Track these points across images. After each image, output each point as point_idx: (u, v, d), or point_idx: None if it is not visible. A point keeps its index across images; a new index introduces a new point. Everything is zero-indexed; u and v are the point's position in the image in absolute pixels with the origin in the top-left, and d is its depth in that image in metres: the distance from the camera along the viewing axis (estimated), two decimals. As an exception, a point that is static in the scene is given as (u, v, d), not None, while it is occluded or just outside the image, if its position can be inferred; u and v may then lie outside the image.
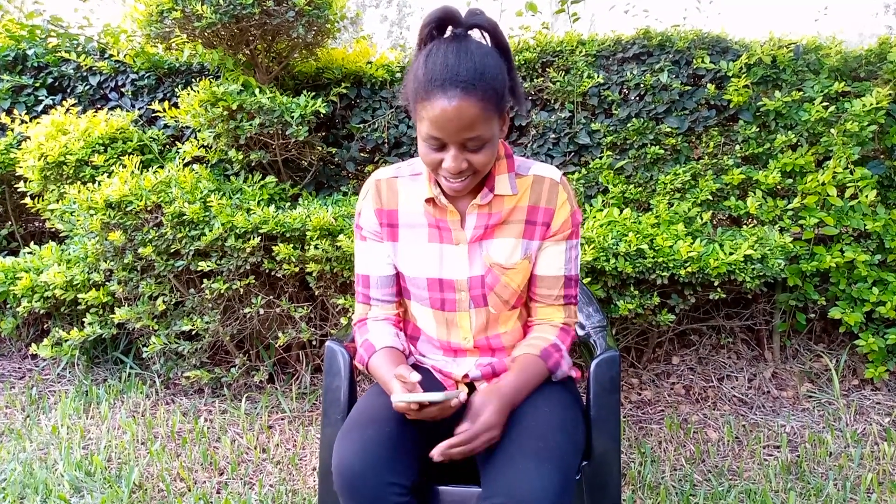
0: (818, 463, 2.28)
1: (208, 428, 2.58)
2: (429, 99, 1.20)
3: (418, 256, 1.43)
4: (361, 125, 3.02)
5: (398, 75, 3.04)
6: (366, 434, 1.27)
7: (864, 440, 2.40)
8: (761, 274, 2.42)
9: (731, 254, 2.39)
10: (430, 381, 1.50)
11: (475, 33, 1.26)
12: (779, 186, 2.71)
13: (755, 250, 2.40)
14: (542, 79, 2.90)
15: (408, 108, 1.32)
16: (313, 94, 2.79)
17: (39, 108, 3.30)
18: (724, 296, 2.51)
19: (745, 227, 2.69)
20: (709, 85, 2.74)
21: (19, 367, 3.17)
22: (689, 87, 2.78)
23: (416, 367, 1.55)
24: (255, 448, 2.43)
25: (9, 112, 3.24)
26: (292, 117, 2.64)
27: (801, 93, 2.68)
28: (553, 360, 1.40)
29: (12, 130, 3.15)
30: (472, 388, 1.50)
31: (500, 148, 1.37)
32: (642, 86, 2.80)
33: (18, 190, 2.93)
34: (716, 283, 2.45)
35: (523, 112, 1.36)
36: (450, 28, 1.24)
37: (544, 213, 1.39)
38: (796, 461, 2.29)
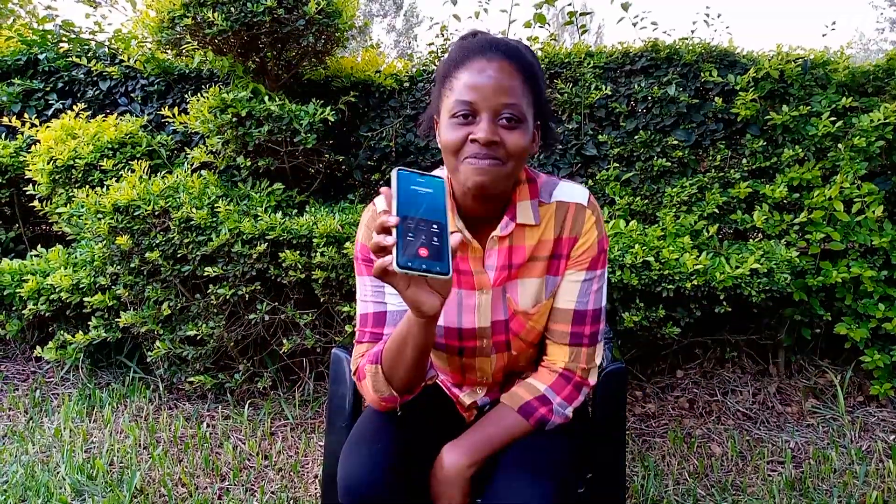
0: (822, 479, 2.27)
1: (211, 433, 2.57)
2: (463, 65, 1.14)
3: None
4: (369, 133, 3.03)
5: (406, 84, 3.05)
6: (374, 448, 1.22)
7: (869, 457, 2.39)
8: (767, 288, 2.41)
9: (737, 267, 2.39)
10: (438, 395, 1.47)
11: None
12: (785, 200, 2.70)
13: (761, 264, 2.39)
14: (550, 90, 2.90)
15: (433, 118, 1.25)
16: (322, 102, 2.80)
17: (49, 113, 3.33)
18: (730, 309, 2.50)
19: (751, 240, 2.68)
20: (716, 98, 2.74)
21: (23, 370, 3.17)
22: (697, 101, 2.79)
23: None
24: (258, 454, 2.43)
25: (19, 116, 3.26)
26: (301, 125, 2.65)
27: (809, 107, 2.68)
28: (537, 415, 1.27)
29: (22, 134, 3.17)
30: (481, 412, 1.43)
31: (522, 172, 1.28)
32: (650, 98, 2.81)
33: (27, 193, 2.95)
34: (721, 297, 2.44)
35: (538, 149, 1.20)
36: None
37: (568, 244, 1.28)
38: (800, 477, 2.27)
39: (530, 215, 1.25)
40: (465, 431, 1.27)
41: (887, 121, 2.55)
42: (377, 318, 1.30)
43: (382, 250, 0.96)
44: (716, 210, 2.72)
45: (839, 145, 2.64)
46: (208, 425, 2.64)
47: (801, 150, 2.68)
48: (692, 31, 3.18)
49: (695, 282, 2.36)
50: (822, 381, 2.83)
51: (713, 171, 2.78)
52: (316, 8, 2.63)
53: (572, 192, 1.29)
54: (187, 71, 3.20)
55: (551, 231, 1.27)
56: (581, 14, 3.21)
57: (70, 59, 3.30)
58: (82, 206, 2.56)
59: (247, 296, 2.55)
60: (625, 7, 3.14)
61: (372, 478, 1.17)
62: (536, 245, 1.27)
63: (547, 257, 1.28)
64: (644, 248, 2.41)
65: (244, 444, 2.51)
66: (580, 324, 1.29)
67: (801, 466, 2.35)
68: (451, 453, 1.22)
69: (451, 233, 1.00)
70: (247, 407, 2.72)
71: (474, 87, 1.10)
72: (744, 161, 2.77)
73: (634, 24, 3.12)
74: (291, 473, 2.32)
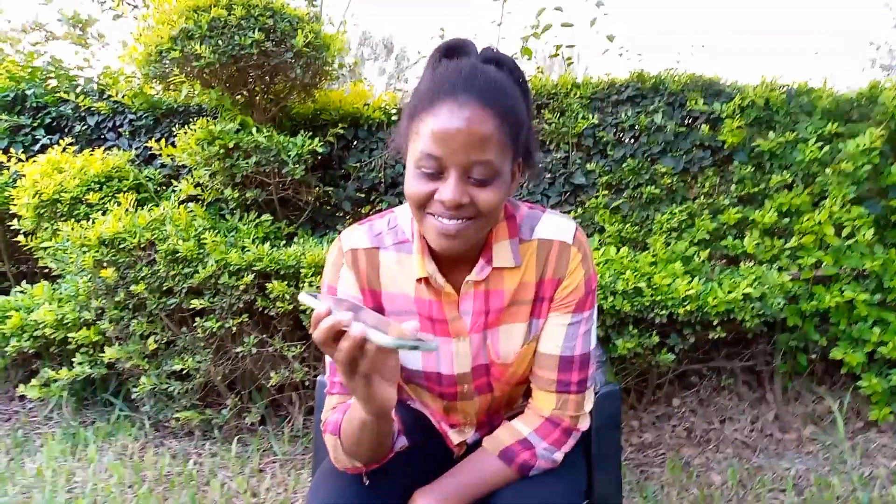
0: (825, 507, 2.22)
1: (197, 471, 2.50)
2: (432, 108, 0.97)
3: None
4: (358, 165, 3.03)
5: (395, 117, 3.06)
6: (344, 482, 1.14)
7: (872, 484, 2.34)
8: (761, 313, 2.39)
9: (729, 292, 2.37)
10: (425, 425, 1.39)
11: None
12: (776, 226, 2.70)
13: (754, 289, 2.38)
14: (538, 120, 2.92)
15: (400, 146, 1.10)
16: (310, 134, 2.80)
17: (36, 148, 3.31)
18: (724, 335, 2.47)
19: (742, 266, 2.67)
20: (703, 126, 2.76)
21: (6, 409, 3.09)
22: (684, 129, 2.81)
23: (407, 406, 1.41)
24: (246, 492, 2.36)
25: (6, 151, 3.24)
26: (289, 156, 2.65)
27: (795, 133, 2.70)
28: (518, 460, 1.16)
29: (8, 169, 3.15)
30: (471, 449, 1.33)
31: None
32: (637, 127, 2.82)
33: (12, 228, 2.91)
34: (715, 322, 2.41)
35: (531, 178, 1.10)
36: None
37: (552, 286, 1.16)
38: (802, 505, 2.22)
39: (509, 257, 1.13)
40: (441, 476, 1.17)
41: (873, 146, 2.57)
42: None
43: (353, 355, 0.87)
44: (706, 236, 2.71)
45: (827, 170, 2.65)
46: (195, 462, 2.56)
47: (789, 175, 2.69)
48: (677, 62, 3.21)
49: (688, 307, 2.34)
50: (821, 407, 2.79)
51: (702, 197, 2.78)
52: (304, 41, 2.64)
53: (556, 228, 1.16)
54: (175, 105, 3.20)
55: (533, 273, 1.15)
56: (567, 46, 3.25)
57: (58, 94, 3.29)
58: (67, 240, 2.52)
59: (234, 328, 2.51)
60: (610, 38, 3.18)
61: None
62: (517, 289, 1.15)
63: (530, 300, 1.16)
64: (636, 273, 2.39)
65: (232, 481, 2.43)
66: (567, 371, 1.17)
67: (803, 494, 2.30)
68: (423, 501, 1.13)
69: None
70: (235, 443, 2.65)
71: (442, 138, 0.95)
72: (732, 187, 2.78)
73: (620, 55, 3.16)
74: (280, 511, 2.25)
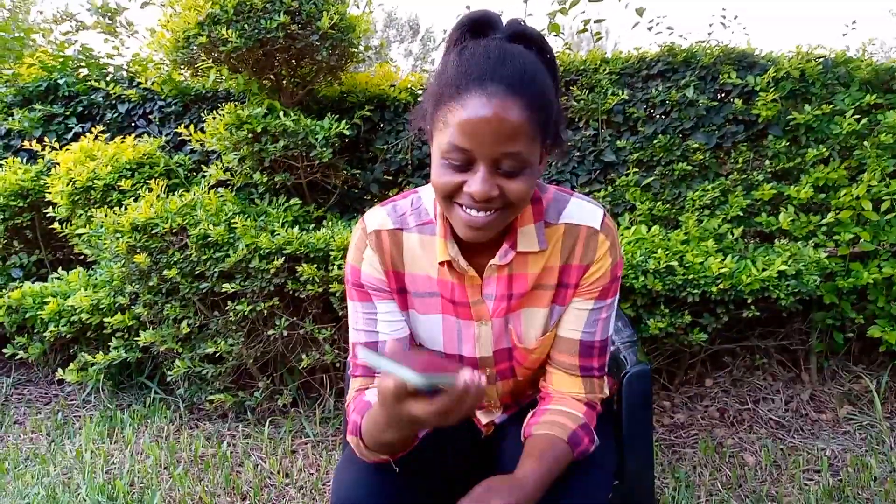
0: (862, 488, 2.17)
1: (231, 452, 2.54)
2: (459, 97, 0.94)
3: (432, 330, 1.21)
4: (385, 147, 3.02)
5: (421, 98, 3.04)
6: (369, 466, 1.13)
7: (911, 464, 2.29)
8: (796, 291, 2.34)
9: (764, 270, 2.32)
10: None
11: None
12: (811, 201, 2.64)
13: (789, 266, 2.33)
14: (566, 97, 2.88)
15: (423, 127, 1.08)
16: (337, 116, 2.79)
17: (69, 136, 3.36)
18: (758, 314, 2.43)
19: (777, 243, 2.61)
20: (736, 100, 2.69)
21: (46, 393, 3.17)
22: (716, 103, 2.74)
23: None
24: (279, 473, 2.39)
25: (39, 140, 3.30)
26: (316, 139, 2.65)
27: (832, 106, 2.62)
28: (582, 447, 1.14)
29: (42, 157, 3.20)
30: (498, 430, 1.36)
31: None
32: (668, 102, 2.76)
33: (47, 216, 2.96)
34: (749, 301, 2.37)
35: (558, 157, 1.07)
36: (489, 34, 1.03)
37: (578, 272, 1.15)
38: (839, 486, 2.19)
39: (534, 241, 1.12)
40: (517, 467, 1.08)
41: (914, 116, 2.49)
42: (369, 349, 1.17)
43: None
44: (740, 213, 2.66)
45: (865, 143, 2.58)
46: (229, 444, 2.61)
47: (825, 149, 2.62)
48: (709, 34, 3.14)
49: (721, 286, 2.30)
50: (857, 386, 2.73)
51: (735, 173, 2.72)
52: (329, 23, 2.63)
53: (583, 212, 1.14)
54: (203, 91, 3.22)
55: (557, 257, 1.14)
56: (596, 21, 3.19)
57: (89, 83, 3.33)
58: (101, 226, 2.56)
59: (265, 311, 2.53)
60: (639, 12, 3.11)
61: (368, 498, 1.09)
62: (541, 273, 1.14)
63: (553, 286, 1.16)
64: (667, 252, 2.36)
65: (265, 462, 2.47)
66: (588, 356, 1.18)
67: (839, 475, 2.26)
68: (500, 485, 1.02)
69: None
70: (267, 425, 2.69)
71: (471, 130, 0.92)
72: (766, 162, 2.71)
73: (650, 29, 3.09)
74: (313, 491, 2.28)
